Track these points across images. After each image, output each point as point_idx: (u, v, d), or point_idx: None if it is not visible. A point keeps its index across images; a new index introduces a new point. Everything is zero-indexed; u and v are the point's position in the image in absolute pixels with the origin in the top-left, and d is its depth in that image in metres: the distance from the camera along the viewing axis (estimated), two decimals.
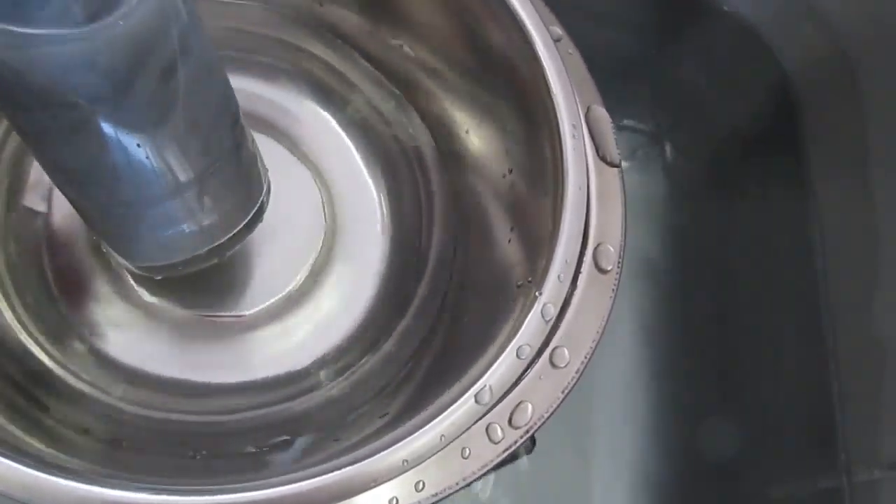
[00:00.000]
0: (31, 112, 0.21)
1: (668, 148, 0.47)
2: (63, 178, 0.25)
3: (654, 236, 0.45)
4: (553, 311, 0.25)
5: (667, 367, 0.44)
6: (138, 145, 0.22)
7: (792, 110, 0.45)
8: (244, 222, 0.29)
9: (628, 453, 0.42)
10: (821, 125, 0.44)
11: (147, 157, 0.23)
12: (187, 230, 0.27)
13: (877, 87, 0.40)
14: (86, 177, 0.24)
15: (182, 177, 0.24)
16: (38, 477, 0.21)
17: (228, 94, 0.26)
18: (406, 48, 0.35)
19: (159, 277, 0.30)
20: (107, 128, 0.21)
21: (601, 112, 0.30)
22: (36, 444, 0.25)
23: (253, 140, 0.29)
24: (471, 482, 0.24)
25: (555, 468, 0.42)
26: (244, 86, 0.35)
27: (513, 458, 0.37)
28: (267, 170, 0.30)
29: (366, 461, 0.22)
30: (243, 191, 0.29)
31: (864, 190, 0.40)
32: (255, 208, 0.29)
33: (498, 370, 0.24)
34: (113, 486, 0.21)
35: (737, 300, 0.45)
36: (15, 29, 0.17)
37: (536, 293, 0.25)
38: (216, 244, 0.28)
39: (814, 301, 0.41)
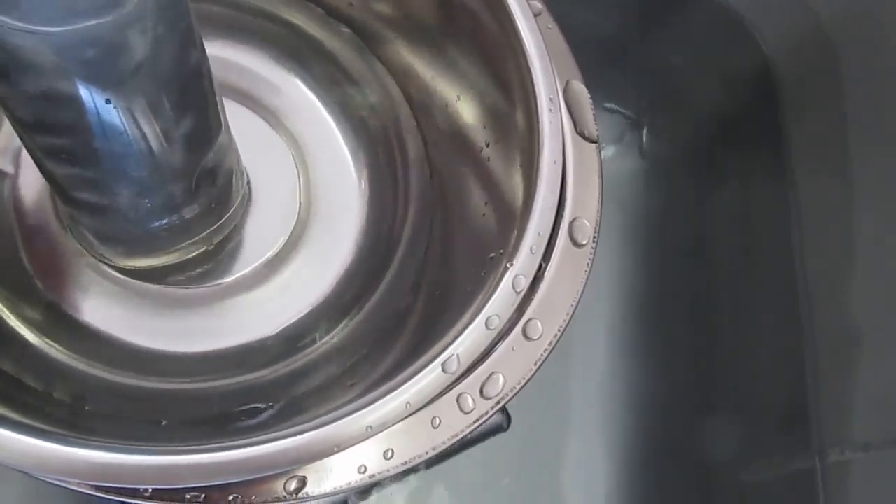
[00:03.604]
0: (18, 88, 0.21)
1: (649, 131, 0.47)
2: (60, 167, 0.25)
3: (636, 217, 0.46)
4: (524, 283, 0.25)
5: (643, 348, 0.44)
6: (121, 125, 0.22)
7: (772, 94, 0.45)
8: (226, 215, 0.29)
9: (604, 433, 0.43)
10: (801, 109, 0.44)
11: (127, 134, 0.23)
12: (173, 222, 0.27)
13: (857, 71, 0.41)
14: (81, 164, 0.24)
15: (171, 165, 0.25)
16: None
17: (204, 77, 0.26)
18: (386, 16, 0.34)
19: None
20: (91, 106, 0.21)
21: (580, 87, 0.30)
22: None
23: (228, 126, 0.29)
24: (441, 451, 0.24)
25: (531, 445, 0.42)
26: (219, 53, 0.35)
27: (489, 433, 0.38)
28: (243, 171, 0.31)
29: (329, 426, 0.22)
30: (225, 183, 0.29)
31: (843, 174, 0.40)
32: (237, 201, 0.30)
33: (466, 340, 0.24)
34: (78, 445, 0.21)
35: (714, 281, 0.45)
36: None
37: (507, 264, 0.25)
38: (200, 236, 0.29)
39: (790, 284, 0.42)
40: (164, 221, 0.27)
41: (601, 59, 0.46)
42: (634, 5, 0.47)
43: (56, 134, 0.22)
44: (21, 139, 0.24)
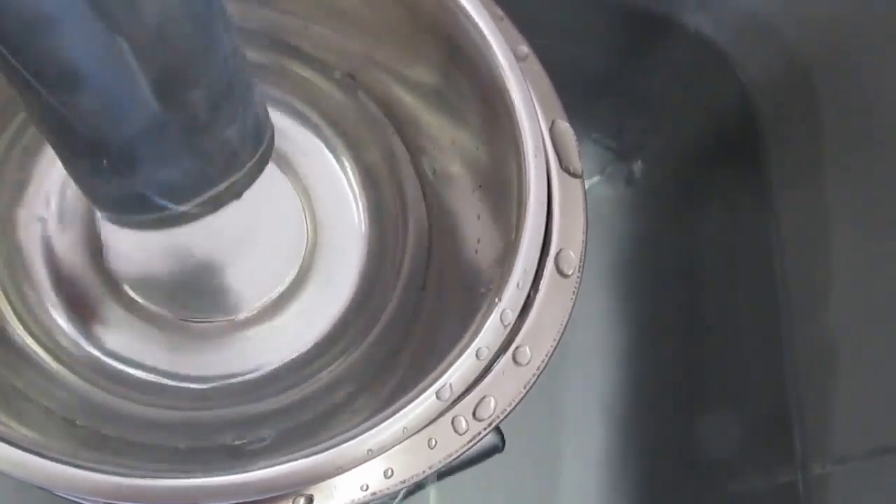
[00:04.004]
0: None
1: (635, 160, 0.48)
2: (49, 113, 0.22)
3: (625, 243, 0.47)
4: (511, 317, 0.27)
5: (633, 368, 0.45)
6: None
7: (752, 124, 0.46)
8: (247, 166, 0.26)
9: (596, 451, 0.44)
10: (779, 137, 0.45)
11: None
12: (181, 168, 0.24)
13: (831, 100, 0.42)
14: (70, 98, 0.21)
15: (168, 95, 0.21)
16: (33, 459, 0.23)
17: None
18: (386, 65, 0.36)
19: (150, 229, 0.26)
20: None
21: (565, 126, 0.31)
22: (24, 431, 0.26)
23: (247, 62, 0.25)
24: (436, 470, 0.26)
25: (526, 465, 0.43)
26: None
27: (486, 454, 0.39)
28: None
29: (333, 450, 0.24)
30: (242, 123, 0.25)
31: (820, 197, 0.42)
32: (262, 150, 0.26)
33: (458, 370, 0.26)
34: (105, 472, 0.23)
35: (700, 304, 0.46)
36: None
37: (496, 300, 0.27)
38: (214, 191, 0.25)
39: (772, 305, 0.43)
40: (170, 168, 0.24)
41: (589, 92, 0.47)
42: (620, 40, 0.48)
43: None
44: (28, 96, 0.21)
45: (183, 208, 0.25)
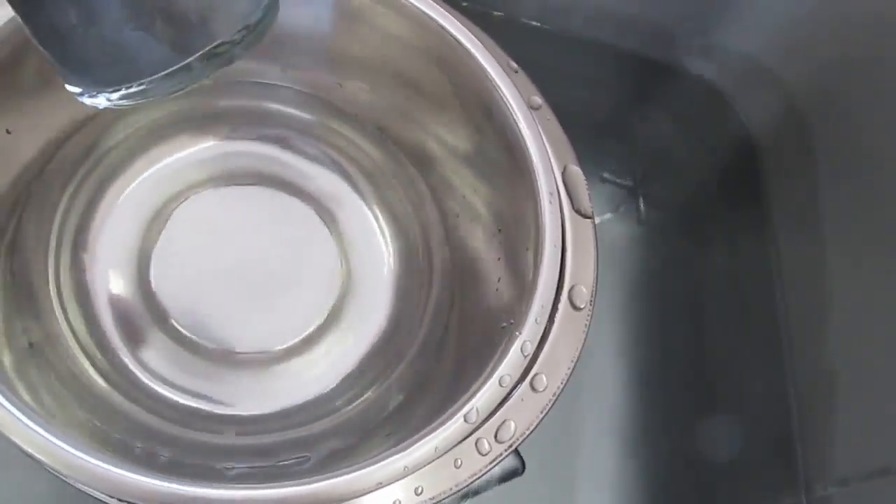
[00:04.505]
0: None
1: (644, 199, 0.49)
2: None
3: (635, 276, 0.48)
4: (531, 348, 0.29)
5: (643, 394, 0.46)
6: None
7: (753, 164, 0.48)
8: (238, 27, 0.23)
9: (610, 473, 0.45)
10: (779, 176, 0.47)
11: None
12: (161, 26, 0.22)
13: (827, 141, 0.44)
14: None
15: None
16: (112, 471, 0.25)
17: None
18: (417, 120, 0.38)
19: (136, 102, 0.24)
20: None
21: (576, 170, 0.33)
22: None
23: None
24: (462, 488, 0.28)
25: (543, 488, 0.43)
26: (268, 152, 0.40)
27: (507, 477, 0.40)
28: None
29: (372, 467, 0.26)
30: None
31: (818, 231, 0.43)
32: (258, 15, 0.23)
33: (483, 396, 0.28)
34: (174, 482, 0.25)
35: (706, 334, 0.47)
36: None
37: (517, 333, 0.29)
38: (204, 51, 0.22)
39: (774, 333, 0.45)
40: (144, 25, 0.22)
41: (599, 134, 0.49)
42: (628, 86, 0.50)
43: None
44: None
45: (158, 76, 0.23)
